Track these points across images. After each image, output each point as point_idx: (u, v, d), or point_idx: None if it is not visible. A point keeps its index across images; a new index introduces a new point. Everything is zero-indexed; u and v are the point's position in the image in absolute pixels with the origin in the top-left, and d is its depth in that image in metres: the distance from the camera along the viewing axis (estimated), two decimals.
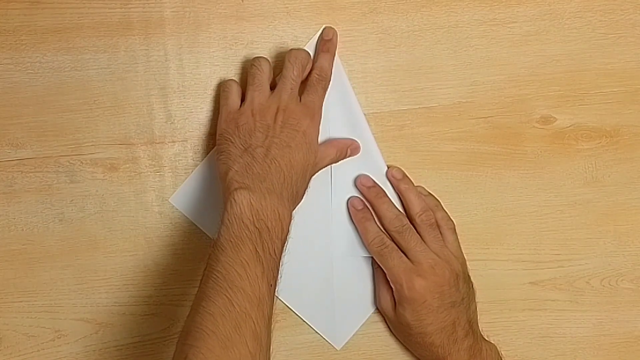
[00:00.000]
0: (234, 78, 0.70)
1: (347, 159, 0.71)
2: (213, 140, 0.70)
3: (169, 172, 0.71)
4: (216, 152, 0.67)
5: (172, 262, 0.71)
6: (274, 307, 0.59)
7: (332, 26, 0.71)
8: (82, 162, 0.70)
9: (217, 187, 0.67)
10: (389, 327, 0.73)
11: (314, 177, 0.70)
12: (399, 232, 0.69)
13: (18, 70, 0.69)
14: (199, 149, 0.71)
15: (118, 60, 0.70)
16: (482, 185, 0.73)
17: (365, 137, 0.71)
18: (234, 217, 0.60)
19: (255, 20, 0.71)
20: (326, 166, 0.70)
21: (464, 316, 0.68)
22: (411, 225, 0.69)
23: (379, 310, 0.72)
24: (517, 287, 0.74)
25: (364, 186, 0.71)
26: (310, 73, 0.69)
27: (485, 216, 0.70)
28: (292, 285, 0.71)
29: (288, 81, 0.67)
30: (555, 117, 0.73)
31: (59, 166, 0.70)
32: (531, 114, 0.73)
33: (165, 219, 0.71)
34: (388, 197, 0.70)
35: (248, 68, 0.69)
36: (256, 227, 0.59)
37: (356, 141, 0.71)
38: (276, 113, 0.65)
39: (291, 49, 0.68)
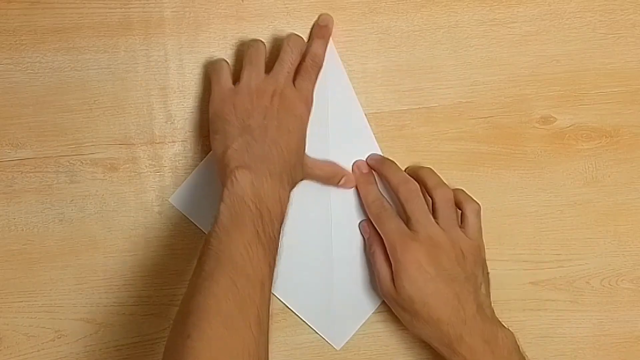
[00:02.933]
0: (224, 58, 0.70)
1: (348, 157, 0.71)
2: None
3: (169, 172, 0.71)
4: (211, 132, 0.66)
5: (172, 262, 0.71)
6: (272, 307, 0.59)
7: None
8: (82, 162, 0.70)
9: (217, 187, 0.67)
10: (390, 328, 0.73)
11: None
12: (406, 199, 0.67)
13: (18, 70, 0.69)
14: (199, 149, 0.71)
15: (118, 60, 0.70)
16: (482, 185, 0.73)
17: (366, 137, 0.71)
18: (236, 197, 0.60)
19: (255, 20, 0.71)
20: (312, 179, 0.69)
21: (470, 295, 0.65)
22: (421, 195, 0.68)
23: (381, 295, 0.70)
24: (517, 287, 0.74)
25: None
26: (303, 59, 0.68)
27: (485, 216, 0.70)
28: (292, 285, 0.71)
29: (286, 65, 0.67)
30: (555, 117, 0.73)
31: (59, 166, 0.70)
32: (531, 114, 0.73)
33: (165, 219, 0.71)
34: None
35: (244, 50, 0.68)
36: (257, 209, 0.59)
37: (352, 174, 0.71)
38: (272, 95, 0.65)
39: (290, 34, 0.68)
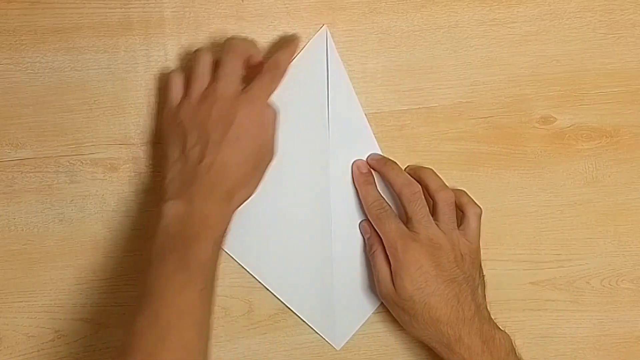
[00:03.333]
0: (177, 70, 0.69)
1: (348, 157, 0.71)
2: None
3: None
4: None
5: None
6: (213, 312, 0.59)
7: (330, 26, 0.70)
8: (82, 162, 0.70)
9: None
10: (390, 328, 0.73)
11: (311, 177, 0.71)
12: (409, 201, 0.67)
13: (18, 70, 0.69)
14: None
15: (118, 60, 0.70)
16: (482, 185, 0.73)
17: (366, 137, 0.72)
18: (161, 230, 0.61)
19: (255, 20, 0.71)
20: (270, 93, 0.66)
21: (468, 296, 0.66)
22: (423, 197, 0.68)
23: (380, 298, 0.70)
24: (517, 287, 0.74)
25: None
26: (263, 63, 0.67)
27: (485, 216, 0.70)
28: (292, 285, 0.71)
29: (222, 69, 0.65)
30: (555, 117, 0.73)
31: (59, 166, 0.70)
32: (531, 114, 0.73)
33: None
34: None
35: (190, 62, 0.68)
36: (181, 236, 0.60)
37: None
38: (212, 105, 0.64)
39: (227, 38, 0.67)
